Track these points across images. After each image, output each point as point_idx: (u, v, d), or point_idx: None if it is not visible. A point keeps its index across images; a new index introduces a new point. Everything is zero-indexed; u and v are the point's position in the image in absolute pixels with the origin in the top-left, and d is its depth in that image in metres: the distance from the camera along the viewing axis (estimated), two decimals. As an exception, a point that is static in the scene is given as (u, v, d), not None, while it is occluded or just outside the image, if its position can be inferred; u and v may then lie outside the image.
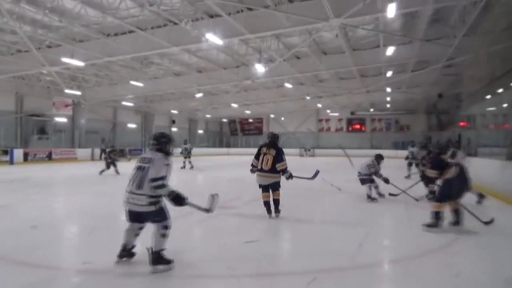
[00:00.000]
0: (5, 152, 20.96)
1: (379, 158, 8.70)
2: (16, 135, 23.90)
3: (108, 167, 14.47)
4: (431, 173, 5.97)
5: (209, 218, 6.31)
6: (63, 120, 26.99)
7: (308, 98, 31.26)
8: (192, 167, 18.03)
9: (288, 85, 24.79)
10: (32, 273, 3.75)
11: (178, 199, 3.73)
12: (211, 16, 13.88)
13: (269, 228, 5.80)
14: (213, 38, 13.23)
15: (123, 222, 3.95)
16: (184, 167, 17.95)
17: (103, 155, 26.79)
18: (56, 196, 9.90)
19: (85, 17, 14.00)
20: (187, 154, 18.42)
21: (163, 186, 3.67)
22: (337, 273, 3.73)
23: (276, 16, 12.72)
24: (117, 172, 14.36)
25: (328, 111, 40.37)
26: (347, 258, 4.13)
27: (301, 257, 4.18)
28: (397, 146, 33.90)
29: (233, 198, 8.60)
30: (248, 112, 39.40)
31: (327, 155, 33.43)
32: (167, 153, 3.98)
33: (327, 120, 42.72)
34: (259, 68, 18.35)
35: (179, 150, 17.86)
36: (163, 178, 3.70)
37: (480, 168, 10.50)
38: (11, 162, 20.80)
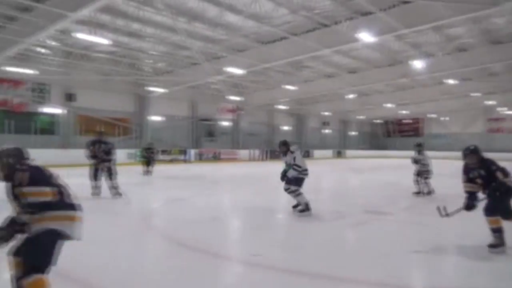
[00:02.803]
0: (183, 152, 24.78)
1: None
2: (190, 137, 27.84)
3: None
4: None
5: (365, 222, 6.16)
6: (226, 123, 30.41)
7: (476, 94, 27.52)
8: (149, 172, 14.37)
9: (450, 81, 22.33)
10: (205, 259, 4.15)
11: None
12: (363, 14, 13.51)
13: (429, 239, 5.23)
14: (365, 37, 12.88)
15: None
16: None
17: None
18: (225, 192, 11.11)
19: (245, 28, 15.34)
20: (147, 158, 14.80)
21: None
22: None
23: (434, 6, 11.57)
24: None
25: (501, 109, 34.76)
26: None
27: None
28: None
29: (388, 203, 8.26)
30: (404, 112, 37.02)
31: (499, 159, 28.75)
32: None
33: (499, 120, 36.77)
34: (417, 65, 17.09)
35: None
36: None
37: None
38: (187, 160, 24.50)
